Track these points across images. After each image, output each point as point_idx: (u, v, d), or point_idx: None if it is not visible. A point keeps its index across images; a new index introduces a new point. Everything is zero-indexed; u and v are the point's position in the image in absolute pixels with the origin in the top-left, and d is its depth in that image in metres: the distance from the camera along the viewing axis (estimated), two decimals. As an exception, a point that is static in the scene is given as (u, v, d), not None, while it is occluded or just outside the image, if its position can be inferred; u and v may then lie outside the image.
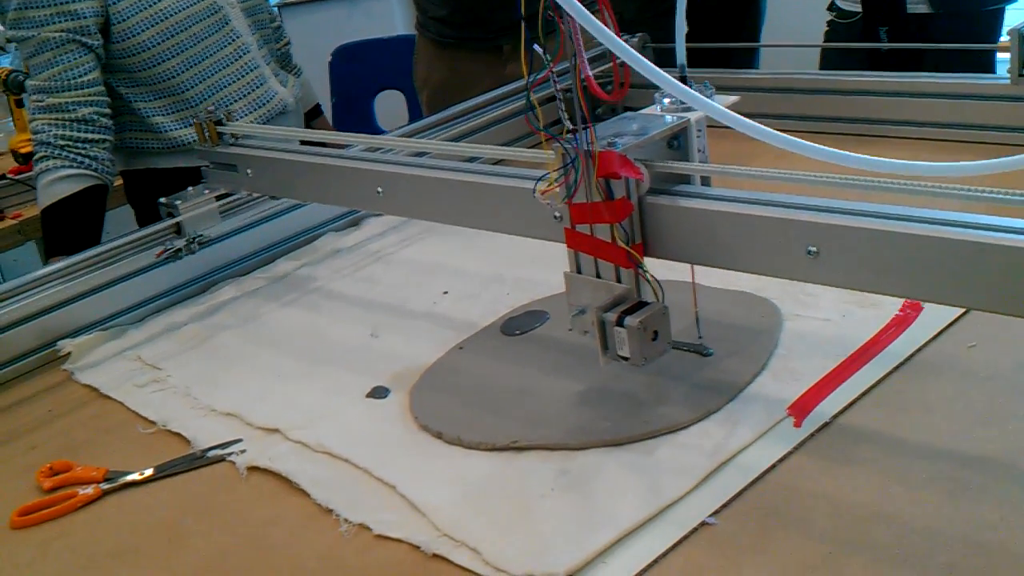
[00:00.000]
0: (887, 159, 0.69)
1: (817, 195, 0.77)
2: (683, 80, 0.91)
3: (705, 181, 0.87)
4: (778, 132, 0.72)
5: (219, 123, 1.33)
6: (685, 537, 0.75)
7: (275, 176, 1.27)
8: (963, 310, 0.97)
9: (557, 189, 0.84)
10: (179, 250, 1.35)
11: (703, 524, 0.76)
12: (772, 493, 0.79)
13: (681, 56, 0.95)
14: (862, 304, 1.01)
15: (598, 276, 0.86)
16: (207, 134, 1.34)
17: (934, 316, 0.97)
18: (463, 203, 1.01)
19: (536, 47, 0.77)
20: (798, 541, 0.73)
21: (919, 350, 0.94)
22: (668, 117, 0.87)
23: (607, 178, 0.81)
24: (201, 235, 1.37)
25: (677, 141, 0.86)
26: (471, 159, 1.11)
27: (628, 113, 0.89)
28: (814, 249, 0.75)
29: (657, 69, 0.74)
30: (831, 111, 1.51)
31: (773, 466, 0.81)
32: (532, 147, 1.03)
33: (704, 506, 0.78)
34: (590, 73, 0.79)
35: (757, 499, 0.78)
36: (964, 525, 0.71)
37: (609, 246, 0.84)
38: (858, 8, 2.10)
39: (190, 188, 1.39)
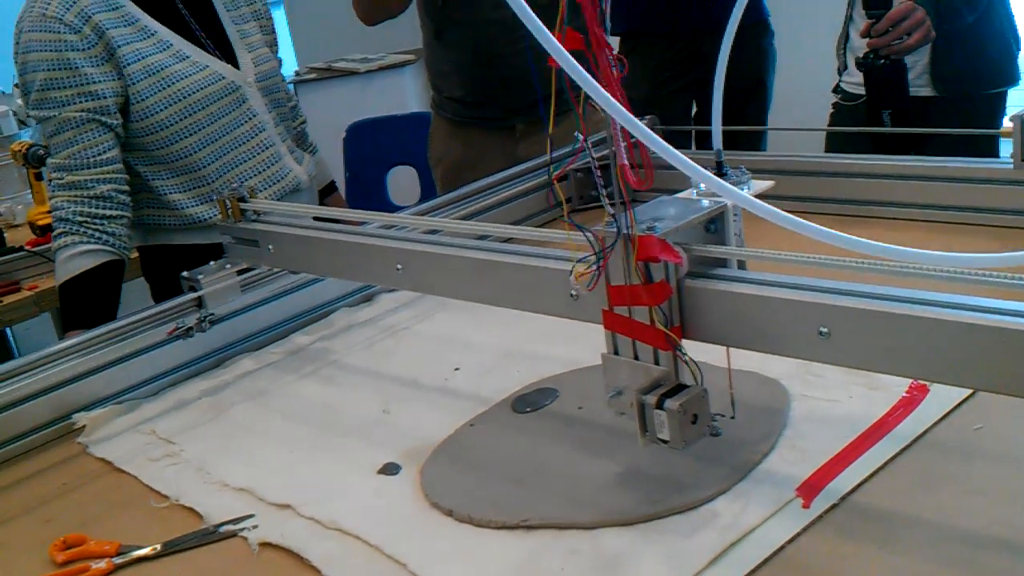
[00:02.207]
0: (920, 250, 0.70)
1: (844, 279, 0.78)
2: (719, 165, 0.92)
3: (741, 265, 0.88)
4: (807, 222, 0.73)
5: (242, 199, 1.36)
6: (694, 618, 0.76)
7: (296, 252, 1.30)
8: (968, 393, 0.98)
9: (592, 273, 0.85)
10: (190, 328, 1.37)
11: (712, 605, 0.77)
12: (782, 574, 0.79)
13: (717, 142, 0.96)
14: (869, 386, 1.02)
15: (636, 358, 0.87)
16: (230, 210, 1.37)
17: (940, 398, 0.98)
18: (482, 280, 1.04)
19: (577, 135, 0.79)
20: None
21: (926, 432, 0.94)
22: (705, 201, 0.88)
23: (646, 261, 0.83)
24: (212, 313, 1.39)
25: (714, 225, 0.88)
26: (483, 237, 1.13)
27: (664, 197, 0.90)
28: (825, 330, 0.76)
29: (688, 160, 0.75)
30: (835, 193, 1.53)
31: (782, 547, 0.82)
32: (541, 226, 1.06)
33: (713, 587, 0.79)
34: (625, 161, 0.80)
35: (766, 580, 0.79)
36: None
37: (648, 328, 0.84)
38: (862, 91, 2.14)
39: (211, 263, 1.41)
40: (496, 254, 1.02)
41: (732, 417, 0.99)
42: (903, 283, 0.75)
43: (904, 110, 2.05)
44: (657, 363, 0.85)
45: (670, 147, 0.75)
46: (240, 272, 1.42)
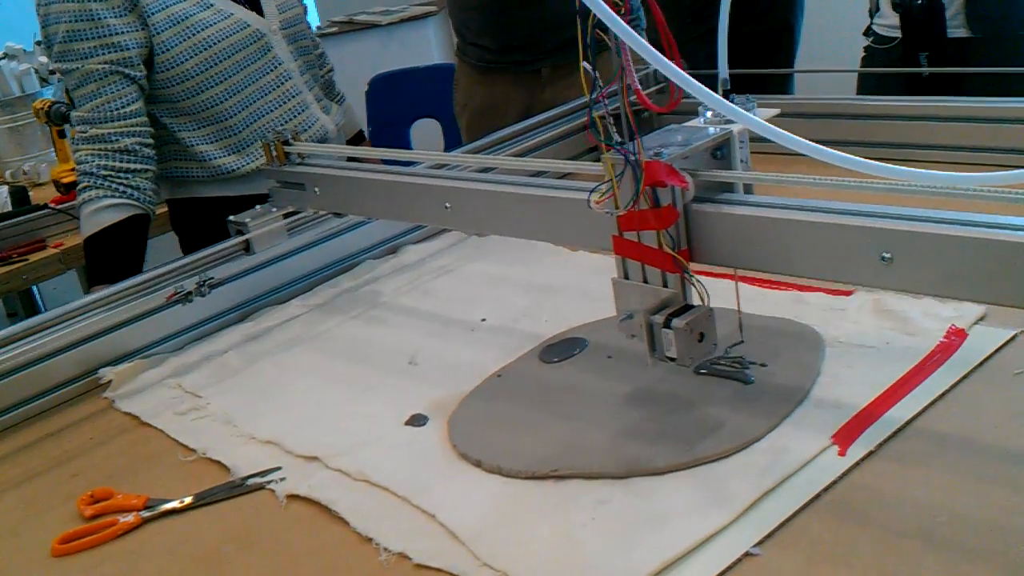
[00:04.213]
0: (926, 171, 0.70)
1: (854, 200, 0.79)
2: (726, 95, 0.92)
3: (748, 189, 0.90)
4: (811, 142, 0.73)
5: (287, 143, 1.36)
6: (728, 568, 0.74)
7: (342, 193, 1.29)
8: (1008, 336, 0.96)
9: (609, 199, 0.87)
10: (189, 293, 1.35)
11: (747, 555, 0.75)
12: (817, 523, 0.77)
13: (724, 71, 0.97)
14: (905, 331, 1.00)
15: (645, 281, 0.89)
16: (275, 154, 1.36)
17: (979, 343, 0.96)
18: (531, 217, 1.03)
19: (586, 65, 0.80)
20: (844, 573, 0.72)
21: (964, 377, 0.92)
22: (711, 129, 0.90)
23: (654, 186, 0.84)
24: (211, 277, 1.37)
25: (720, 151, 0.90)
26: (538, 174, 1.12)
27: (673, 125, 0.92)
28: (888, 255, 0.76)
29: (697, 83, 0.76)
30: (869, 136, 1.50)
31: (818, 495, 0.80)
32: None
33: (748, 536, 0.77)
34: (638, 86, 0.82)
35: (802, 528, 0.77)
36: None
37: (656, 252, 0.87)
38: (896, 33, 2.09)
39: (258, 207, 1.42)
40: (542, 189, 1.01)
41: (736, 352, 0.99)
42: (907, 201, 0.75)
43: (941, 53, 2.00)
44: (665, 286, 0.87)
45: (676, 68, 0.75)
46: (286, 216, 1.42)
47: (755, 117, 0.78)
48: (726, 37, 0.97)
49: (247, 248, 1.38)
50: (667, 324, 0.85)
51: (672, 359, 0.86)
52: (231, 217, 1.40)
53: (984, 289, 0.72)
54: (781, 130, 0.75)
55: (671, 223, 0.85)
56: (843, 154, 0.73)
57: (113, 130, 1.66)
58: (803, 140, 0.74)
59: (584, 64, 0.79)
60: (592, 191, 0.88)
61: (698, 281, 0.86)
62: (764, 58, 2.61)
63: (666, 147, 0.86)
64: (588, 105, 0.81)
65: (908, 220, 0.75)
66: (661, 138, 0.89)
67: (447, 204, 1.11)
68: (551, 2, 2.01)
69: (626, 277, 0.90)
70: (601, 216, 0.89)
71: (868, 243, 0.76)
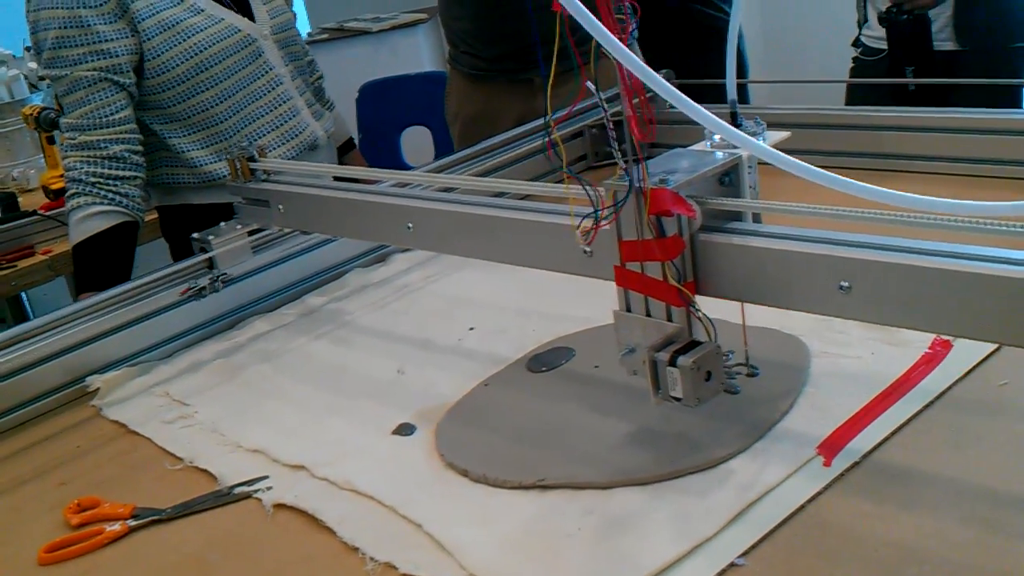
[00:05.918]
0: (942, 199, 0.68)
1: (865, 231, 0.76)
2: (733, 116, 0.90)
3: (756, 218, 0.86)
4: (830, 173, 0.71)
5: (251, 159, 1.35)
6: (713, 578, 0.75)
7: (306, 212, 1.28)
8: (993, 348, 0.96)
9: (605, 227, 0.83)
10: (203, 288, 1.36)
11: (731, 565, 0.75)
12: (802, 533, 0.78)
13: (732, 92, 0.94)
14: (891, 342, 1.00)
15: (648, 315, 0.85)
16: (239, 170, 1.36)
17: (964, 354, 0.96)
18: (493, 238, 1.02)
19: (589, 84, 0.77)
20: (828, 583, 0.72)
21: (949, 388, 0.93)
22: (719, 153, 0.85)
23: (659, 216, 0.80)
24: (225, 273, 1.38)
25: (728, 178, 0.85)
26: (499, 194, 1.12)
27: (678, 149, 0.88)
28: (846, 284, 0.74)
29: (704, 110, 0.73)
30: (856, 146, 1.50)
31: (802, 506, 0.80)
32: (559, 182, 1.04)
33: (732, 547, 0.77)
34: (631, 112, 0.78)
35: (786, 539, 0.77)
36: (998, 563, 0.70)
37: (660, 284, 0.82)
38: (884, 45, 2.10)
39: (222, 223, 1.40)
40: (505, 210, 1.01)
41: (749, 374, 0.98)
42: (925, 235, 0.72)
43: (927, 65, 2.01)
44: (670, 320, 0.83)
45: (686, 98, 0.73)
46: (251, 233, 1.41)
47: (764, 145, 0.74)
48: (734, 56, 0.94)
49: (211, 265, 1.38)
50: (672, 362, 0.80)
51: (677, 399, 0.81)
52: (195, 234, 1.39)
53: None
54: (796, 160, 0.71)
55: (677, 254, 0.81)
56: (868, 185, 0.69)
57: (102, 137, 1.66)
58: (819, 170, 0.71)
59: (588, 84, 0.77)
60: (584, 218, 0.84)
61: (705, 316, 0.82)
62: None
63: (672, 173, 0.81)
64: (546, 126, 0.79)
65: (870, 248, 0.74)
66: (666, 163, 0.84)
67: (409, 224, 1.10)
68: (543, 13, 2.01)
69: (628, 309, 0.86)
70: (563, 238, 0.85)
71: (847, 273, 0.74)
